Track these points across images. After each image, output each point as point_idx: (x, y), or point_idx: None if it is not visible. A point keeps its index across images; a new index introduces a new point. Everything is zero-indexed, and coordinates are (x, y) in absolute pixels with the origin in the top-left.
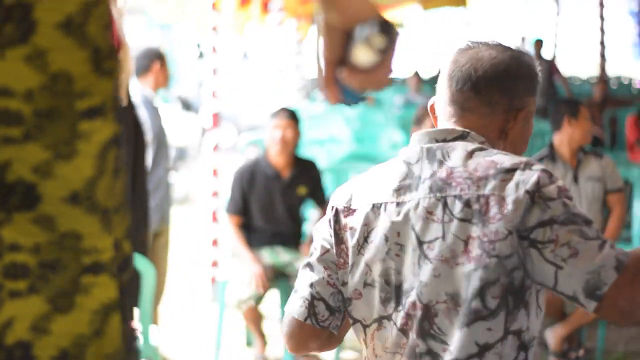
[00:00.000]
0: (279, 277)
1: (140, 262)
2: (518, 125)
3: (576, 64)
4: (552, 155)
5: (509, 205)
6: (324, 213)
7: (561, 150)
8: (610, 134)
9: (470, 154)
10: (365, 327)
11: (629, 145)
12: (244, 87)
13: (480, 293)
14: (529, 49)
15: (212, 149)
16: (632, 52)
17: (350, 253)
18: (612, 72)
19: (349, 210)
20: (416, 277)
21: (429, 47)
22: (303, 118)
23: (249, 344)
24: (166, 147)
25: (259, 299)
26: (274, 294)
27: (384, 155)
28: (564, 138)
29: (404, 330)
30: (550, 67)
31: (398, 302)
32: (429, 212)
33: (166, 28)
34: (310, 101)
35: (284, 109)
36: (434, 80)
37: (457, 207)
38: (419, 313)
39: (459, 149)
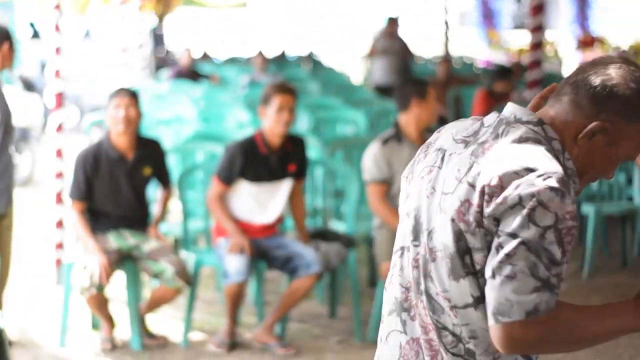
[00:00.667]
0: (126, 260)
1: None
2: (596, 143)
3: (420, 44)
4: (398, 135)
5: (499, 198)
6: (168, 194)
7: (408, 131)
8: (454, 113)
9: (519, 140)
10: (394, 252)
11: None
12: (87, 67)
13: (469, 254)
14: (382, 26)
15: (56, 129)
16: (476, 32)
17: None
18: (456, 51)
19: (428, 147)
20: (432, 221)
21: (273, 27)
22: (148, 98)
23: (95, 326)
24: (13, 129)
25: (101, 287)
26: (120, 277)
27: (230, 135)
28: (411, 118)
29: (414, 264)
30: (403, 45)
31: (416, 238)
32: (458, 169)
33: (6, 6)
34: (155, 80)
35: (123, 89)
36: (278, 60)
37: (472, 174)
38: (425, 254)
39: (518, 133)
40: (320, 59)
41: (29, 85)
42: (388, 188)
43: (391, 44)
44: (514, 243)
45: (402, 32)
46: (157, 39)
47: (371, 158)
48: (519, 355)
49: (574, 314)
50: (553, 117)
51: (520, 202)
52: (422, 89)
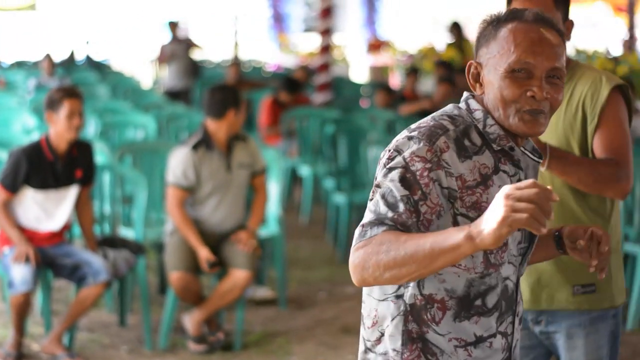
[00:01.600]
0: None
1: None
2: (485, 81)
3: (212, 48)
4: (207, 141)
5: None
6: None
7: (217, 138)
8: (244, 116)
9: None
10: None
11: (263, 127)
12: None
13: None
14: (166, 30)
15: None
16: (266, 36)
17: None
18: (246, 55)
19: None
20: None
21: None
22: None
23: None
24: None
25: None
26: None
27: (16, 140)
28: (224, 127)
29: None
30: (192, 46)
31: None
32: None
33: None
34: None
35: (75, 91)
36: (66, 63)
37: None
38: None
39: (440, 111)
40: (110, 63)
41: None
42: (189, 195)
43: (178, 48)
44: (373, 187)
45: (188, 36)
46: None
47: (179, 162)
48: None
49: (393, 235)
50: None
51: (384, 155)
52: (238, 100)
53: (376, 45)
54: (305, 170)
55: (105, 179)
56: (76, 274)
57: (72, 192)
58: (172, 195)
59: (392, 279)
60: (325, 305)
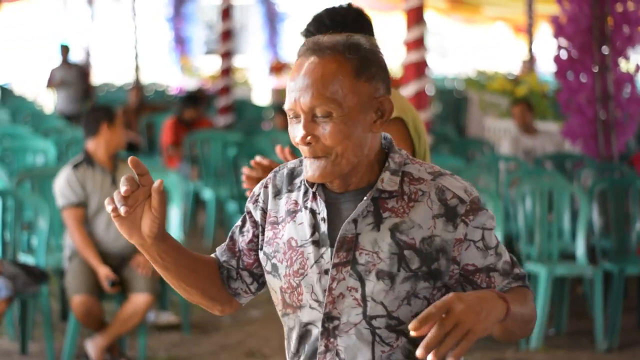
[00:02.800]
0: None
1: None
2: None
3: (113, 71)
4: (88, 160)
5: None
6: None
7: (98, 155)
8: (147, 139)
9: None
10: None
11: (165, 150)
12: None
13: None
14: (57, 54)
15: None
16: (168, 58)
17: None
18: (149, 78)
19: None
20: None
21: None
22: None
23: None
24: None
25: None
26: None
27: None
28: (101, 143)
29: None
30: (82, 72)
31: None
32: None
33: None
34: None
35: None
36: None
37: None
38: None
39: None
40: (11, 86)
41: None
42: (84, 211)
43: (68, 72)
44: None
45: (80, 61)
46: None
47: (64, 182)
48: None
49: None
50: None
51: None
52: (110, 114)
53: (278, 68)
54: (208, 194)
55: (6, 204)
56: None
57: None
58: (68, 217)
59: None
60: (230, 330)
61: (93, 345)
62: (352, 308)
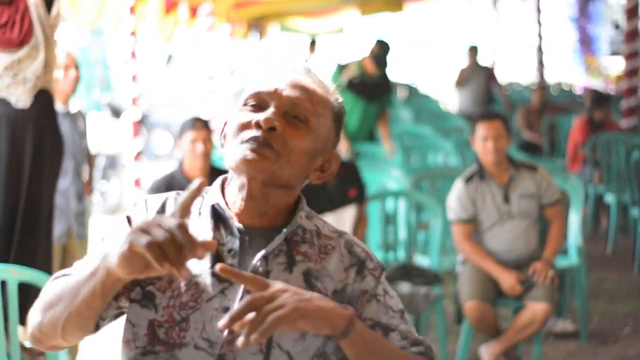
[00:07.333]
0: None
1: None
2: None
3: (517, 71)
4: (481, 173)
5: None
6: None
7: (490, 169)
8: (549, 141)
9: None
10: None
11: (570, 153)
12: (171, 94)
13: None
14: (465, 55)
15: (134, 158)
16: (572, 58)
17: None
18: (553, 78)
19: None
20: None
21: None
22: None
23: None
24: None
25: None
26: None
27: None
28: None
29: None
30: (488, 74)
31: None
32: None
33: (97, 33)
34: None
35: (199, 120)
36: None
37: None
38: None
39: None
40: (416, 86)
41: (117, 112)
42: (473, 227)
43: (476, 73)
44: None
45: (485, 61)
46: None
47: (455, 197)
48: None
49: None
50: None
51: None
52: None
53: None
54: (610, 198)
55: (401, 204)
56: None
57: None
58: (456, 231)
59: None
60: (630, 342)
61: (487, 351)
62: (252, 354)
